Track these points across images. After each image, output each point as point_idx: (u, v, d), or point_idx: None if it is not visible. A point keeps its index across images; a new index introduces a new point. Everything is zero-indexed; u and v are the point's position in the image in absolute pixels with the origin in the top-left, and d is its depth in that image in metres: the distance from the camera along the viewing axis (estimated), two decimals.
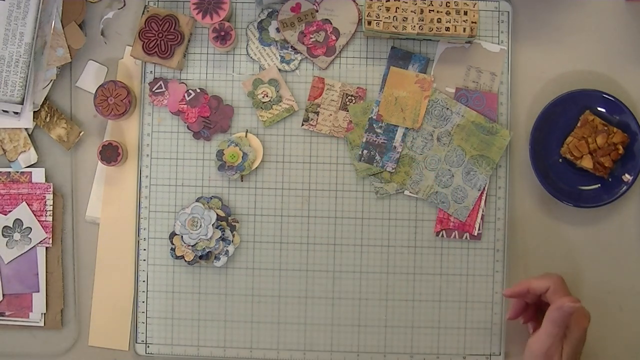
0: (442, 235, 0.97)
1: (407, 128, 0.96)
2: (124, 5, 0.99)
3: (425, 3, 0.93)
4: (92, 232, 0.98)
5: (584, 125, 0.94)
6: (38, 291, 0.97)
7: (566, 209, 0.96)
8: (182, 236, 0.96)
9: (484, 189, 0.96)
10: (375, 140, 0.96)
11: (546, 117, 0.95)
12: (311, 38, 0.97)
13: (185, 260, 0.96)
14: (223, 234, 0.96)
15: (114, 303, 0.98)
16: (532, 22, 0.98)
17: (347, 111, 0.97)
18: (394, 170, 0.96)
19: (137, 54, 0.96)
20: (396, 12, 0.93)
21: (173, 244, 0.97)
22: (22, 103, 0.95)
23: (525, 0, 0.98)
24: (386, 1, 0.93)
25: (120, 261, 0.98)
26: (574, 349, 0.86)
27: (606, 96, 0.95)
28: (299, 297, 0.97)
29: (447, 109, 0.96)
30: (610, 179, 0.95)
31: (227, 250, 0.97)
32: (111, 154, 0.96)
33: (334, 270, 0.97)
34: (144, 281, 0.98)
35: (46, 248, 0.98)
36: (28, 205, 0.97)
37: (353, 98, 0.97)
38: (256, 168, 0.97)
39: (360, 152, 0.96)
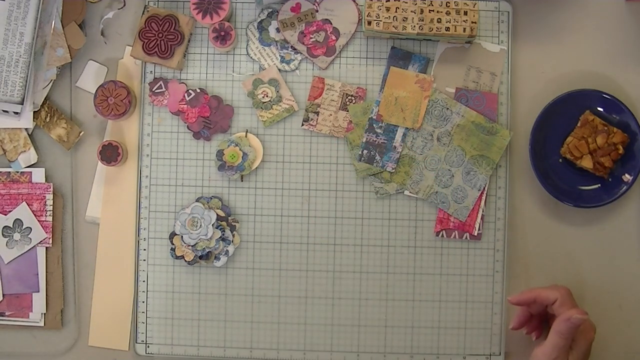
0: (442, 235, 0.97)
1: (407, 128, 0.96)
2: (124, 5, 0.99)
3: (425, 3, 0.93)
4: (92, 232, 0.98)
5: (584, 125, 0.94)
6: (38, 291, 0.97)
7: (566, 209, 0.96)
8: (182, 236, 0.96)
9: (484, 189, 0.96)
10: (375, 140, 0.96)
11: (546, 117, 0.95)
12: (311, 38, 0.97)
13: (185, 260, 0.96)
14: (223, 234, 0.96)
15: (114, 303, 0.98)
16: (532, 22, 0.98)
17: (347, 111, 0.97)
18: (394, 170, 0.96)
19: (137, 54, 0.96)
20: (396, 12, 0.93)
21: (173, 244, 0.97)
22: (22, 103, 0.95)
23: (525, 0, 0.98)
24: (386, 1, 0.93)
25: (120, 261, 0.98)
26: None
27: (606, 96, 0.95)
28: (299, 297, 0.97)
29: (447, 109, 0.96)
30: (610, 179, 0.95)
31: (227, 250, 0.97)
32: (111, 154, 0.96)
33: (334, 270, 0.97)
34: (144, 281, 0.98)
35: (46, 248, 0.98)
36: (28, 205, 0.97)
37: (353, 98, 0.97)
38: (256, 168, 0.97)
39: (360, 152, 0.96)
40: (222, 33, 0.95)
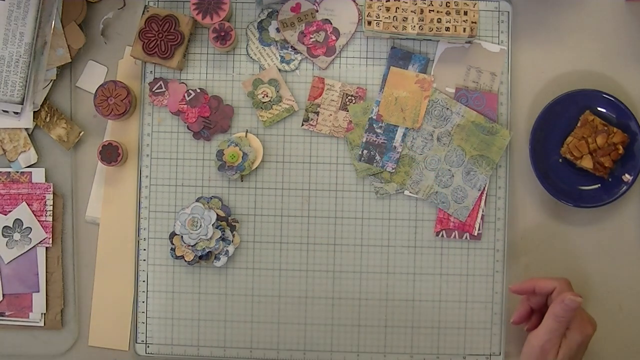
0: (442, 235, 0.97)
1: (407, 128, 0.96)
2: (124, 5, 0.99)
3: (425, 3, 0.93)
4: (92, 232, 0.98)
5: (584, 125, 0.94)
6: (38, 291, 0.97)
7: (566, 209, 0.96)
8: (182, 236, 0.96)
9: (484, 189, 0.96)
10: (375, 140, 0.96)
11: (546, 117, 0.95)
12: (311, 38, 0.97)
13: (185, 260, 0.96)
14: (223, 234, 0.96)
15: (114, 303, 0.98)
16: (532, 22, 0.98)
17: (347, 111, 0.97)
18: (394, 170, 0.96)
19: (137, 54, 0.96)
20: (396, 12, 0.93)
21: (173, 244, 0.97)
22: (22, 103, 0.95)
23: (525, 0, 0.98)
24: (386, 1, 0.93)
25: (120, 261, 0.98)
26: (573, 352, 0.85)
27: (606, 96, 0.95)
28: (299, 297, 0.97)
29: (447, 109, 0.96)
30: (610, 179, 0.95)
31: (227, 250, 0.97)
32: (111, 154, 0.96)
33: (334, 270, 0.97)
34: (144, 281, 0.98)
35: (46, 248, 0.98)
36: (28, 205, 0.97)
37: (353, 98, 0.97)
38: (256, 168, 0.97)
39: (360, 152, 0.96)
40: (222, 33, 0.95)
